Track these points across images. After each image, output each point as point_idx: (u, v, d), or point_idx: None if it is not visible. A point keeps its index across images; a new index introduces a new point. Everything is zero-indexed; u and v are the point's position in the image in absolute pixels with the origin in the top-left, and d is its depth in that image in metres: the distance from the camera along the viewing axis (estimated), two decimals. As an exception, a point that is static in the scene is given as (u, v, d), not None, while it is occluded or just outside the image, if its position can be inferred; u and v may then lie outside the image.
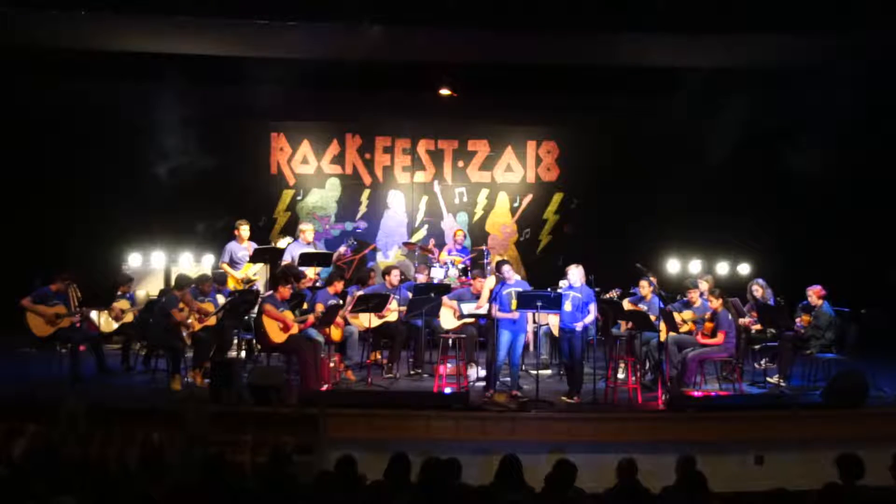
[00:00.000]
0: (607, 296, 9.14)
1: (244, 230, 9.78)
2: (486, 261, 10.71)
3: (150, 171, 11.36)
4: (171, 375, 8.36)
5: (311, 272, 9.60)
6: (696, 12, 8.91)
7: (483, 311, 8.72)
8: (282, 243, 10.07)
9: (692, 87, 10.77)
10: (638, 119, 11.99)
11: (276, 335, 8.31)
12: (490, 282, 8.69)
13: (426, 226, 12.58)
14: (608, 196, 12.27)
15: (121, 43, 10.16)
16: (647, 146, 12.02)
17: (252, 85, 11.08)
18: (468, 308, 9.03)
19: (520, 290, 8.24)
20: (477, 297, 9.14)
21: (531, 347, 10.26)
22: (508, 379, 8.44)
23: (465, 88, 11.82)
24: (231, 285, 9.41)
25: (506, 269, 8.40)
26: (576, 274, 8.38)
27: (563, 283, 8.76)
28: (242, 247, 9.71)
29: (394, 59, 10.82)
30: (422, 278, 9.91)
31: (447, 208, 12.61)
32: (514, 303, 8.14)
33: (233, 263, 9.66)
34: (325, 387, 8.33)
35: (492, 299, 8.31)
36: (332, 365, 8.68)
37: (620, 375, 8.88)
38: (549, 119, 12.54)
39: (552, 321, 9.33)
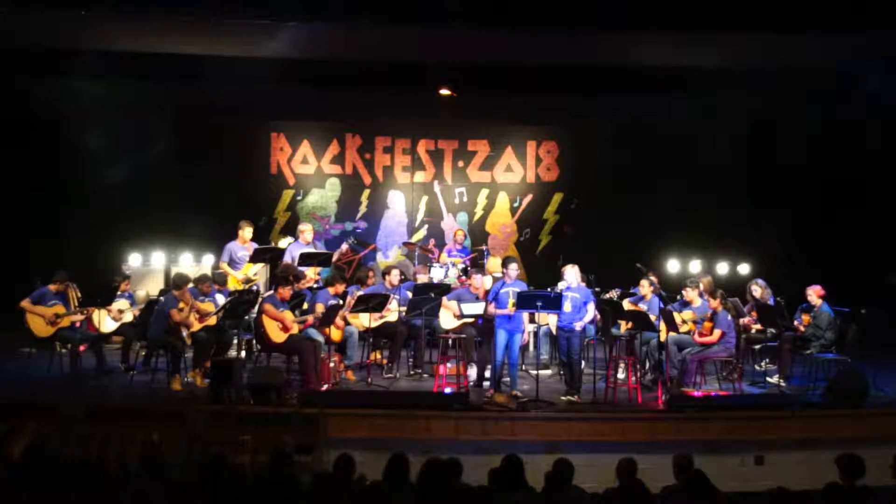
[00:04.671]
0: (607, 296, 9.14)
1: (247, 231, 9.79)
2: (484, 261, 10.70)
3: (149, 171, 11.38)
4: (171, 375, 8.37)
5: (311, 272, 9.61)
6: (696, 12, 8.91)
7: (481, 310, 8.74)
8: (283, 243, 10.08)
9: (692, 87, 10.79)
10: (638, 119, 11.99)
11: (276, 335, 8.32)
12: (488, 282, 8.70)
13: (426, 226, 12.58)
14: (608, 196, 12.28)
15: (121, 43, 10.16)
16: (647, 146, 12.02)
17: (252, 85, 11.08)
18: (468, 308, 9.03)
19: (517, 289, 8.26)
20: (476, 296, 9.14)
21: (531, 347, 10.27)
22: (508, 379, 8.45)
23: (465, 88, 11.82)
24: (231, 285, 9.41)
25: (512, 267, 8.40)
26: (572, 274, 8.40)
27: (561, 285, 8.76)
28: (243, 247, 9.72)
29: (394, 59, 10.82)
30: (422, 278, 9.90)
31: (447, 208, 12.61)
32: (511, 302, 8.15)
33: (232, 263, 9.67)
34: (325, 387, 8.32)
35: (490, 297, 8.31)
36: (332, 365, 8.68)
37: (620, 375, 8.88)
38: (549, 119, 12.55)
39: (552, 321, 9.33)
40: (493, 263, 8.89)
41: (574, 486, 5.16)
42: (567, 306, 8.27)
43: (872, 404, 7.96)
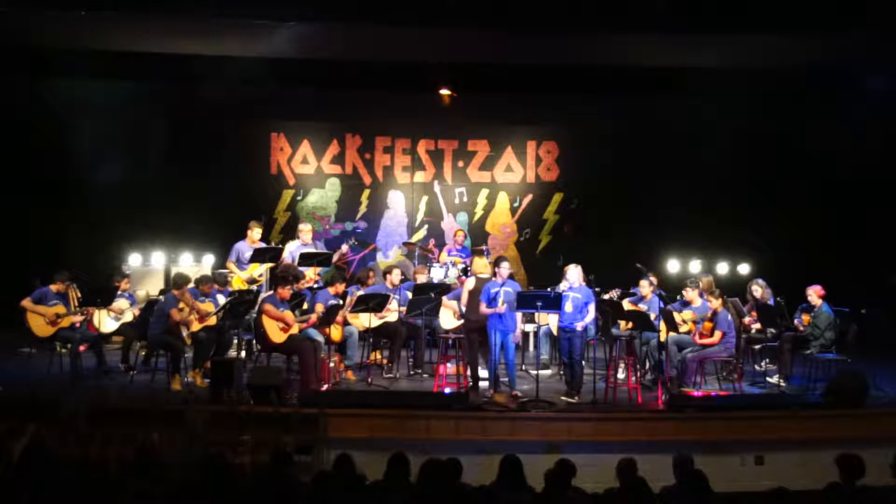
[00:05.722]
0: (607, 296, 9.14)
1: (256, 232, 9.80)
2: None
3: (149, 171, 11.38)
4: (171, 375, 8.37)
5: (311, 272, 9.61)
6: (696, 12, 8.91)
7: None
8: (290, 246, 10.09)
9: (692, 87, 10.79)
10: (638, 119, 11.99)
11: (276, 335, 8.32)
12: (470, 282, 8.68)
13: (426, 226, 12.58)
14: (608, 196, 12.28)
15: (121, 43, 10.16)
16: (648, 146, 12.02)
17: (252, 85, 11.08)
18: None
19: (509, 289, 8.25)
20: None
21: (531, 347, 10.27)
22: (505, 379, 8.45)
23: (465, 88, 11.82)
24: (236, 285, 9.42)
25: (504, 266, 8.40)
26: (574, 274, 8.39)
27: (563, 285, 8.76)
28: (251, 248, 9.71)
29: (394, 59, 10.82)
30: (421, 279, 9.90)
31: (447, 208, 12.61)
32: (501, 301, 8.15)
33: (239, 263, 9.68)
34: (325, 387, 8.33)
35: (483, 297, 8.31)
36: (332, 365, 8.68)
37: (620, 375, 8.88)
38: (549, 119, 12.54)
39: (552, 321, 9.33)
40: (478, 264, 8.84)
41: (574, 486, 5.17)
42: (568, 306, 8.27)
43: (872, 404, 7.96)
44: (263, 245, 9.85)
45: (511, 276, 8.61)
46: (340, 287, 9.12)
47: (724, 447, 7.47)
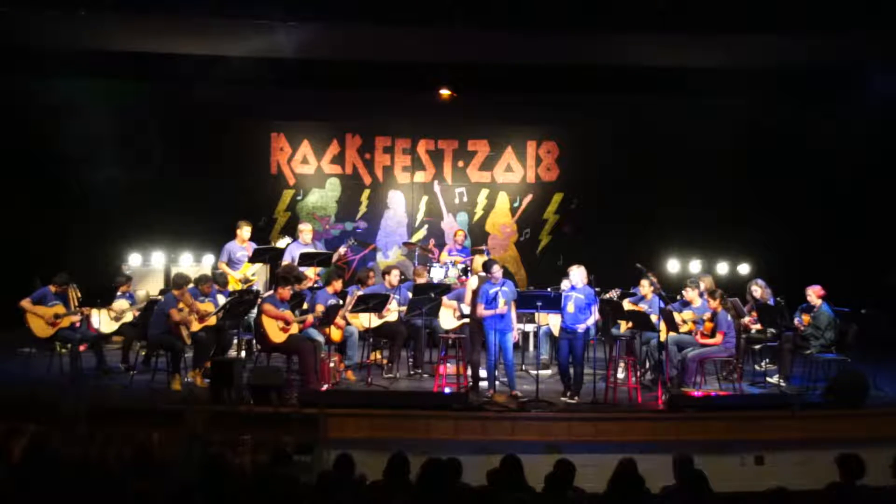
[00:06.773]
0: (607, 296, 9.14)
1: (245, 231, 9.80)
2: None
3: (150, 171, 11.37)
4: (171, 375, 8.37)
5: (310, 272, 9.61)
6: (696, 12, 8.91)
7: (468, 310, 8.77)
8: (281, 243, 10.08)
9: (692, 87, 10.78)
10: (638, 119, 11.99)
11: (276, 335, 8.32)
12: (472, 282, 8.70)
13: (426, 226, 12.58)
14: (608, 196, 12.27)
15: (121, 43, 10.16)
16: (648, 147, 12.02)
17: (252, 85, 11.08)
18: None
19: (506, 289, 8.26)
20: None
21: (531, 347, 10.26)
22: (505, 379, 8.45)
23: (465, 88, 11.81)
24: (229, 285, 9.41)
25: (495, 269, 8.40)
26: (578, 275, 8.39)
27: (564, 284, 8.73)
28: (241, 247, 9.73)
29: (394, 59, 10.82)
30: (420, 279, 9.89)
31: (447, 208, 12.61)
32: (502, 301, 8.15)
33: (231, 263, 9.68)
34: (325, 387, 8.33)
35: (478, 298, 8.31)
36: (332, 365, 8.69)
37: (620, 375, 8.88)
38: (549, 119, 12.53)
39: (552, 321, 9.33)
40: (479, 262, 8.88)
41: (574, 486, 5.16)
42: (570, 307, 8.26)
43: (872, 404, 7.96)
44: (254, 245, 9.84)
45: (511, 278, 8.61)
46: (338, 284, 9.12)
47: (724, 447, 7.48)
